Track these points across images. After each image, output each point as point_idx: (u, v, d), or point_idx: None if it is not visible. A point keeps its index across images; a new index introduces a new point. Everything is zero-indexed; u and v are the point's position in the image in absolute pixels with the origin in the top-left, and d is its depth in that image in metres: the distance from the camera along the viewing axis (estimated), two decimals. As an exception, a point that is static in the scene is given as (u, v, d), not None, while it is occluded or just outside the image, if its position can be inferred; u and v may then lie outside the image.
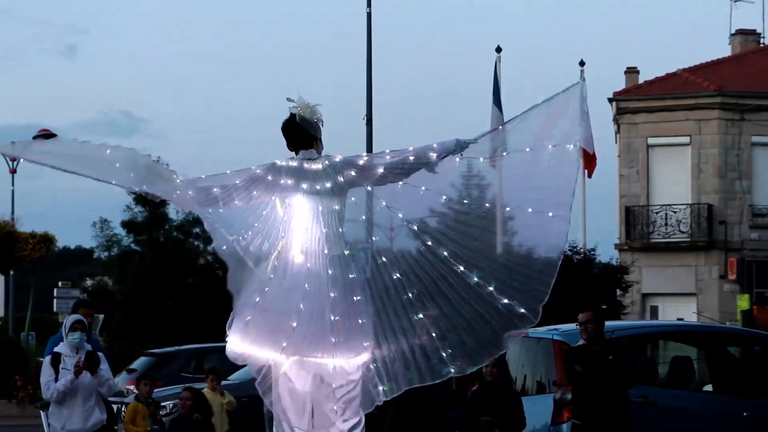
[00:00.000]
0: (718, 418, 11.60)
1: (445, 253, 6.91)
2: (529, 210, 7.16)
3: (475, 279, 6.86)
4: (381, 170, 6.75)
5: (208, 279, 38.78)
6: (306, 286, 6.65)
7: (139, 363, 22.26)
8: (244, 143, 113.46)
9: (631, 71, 40.57)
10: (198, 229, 52.00)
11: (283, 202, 6.80)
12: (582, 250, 26.94)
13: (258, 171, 6.77)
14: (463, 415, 10.92)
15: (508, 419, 10.80)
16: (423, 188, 7.04)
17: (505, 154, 7.23)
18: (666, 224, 36.28)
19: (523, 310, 6.83)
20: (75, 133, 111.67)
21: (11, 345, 32.82)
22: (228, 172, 6.88)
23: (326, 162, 6.79)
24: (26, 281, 44.34)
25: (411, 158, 6.83)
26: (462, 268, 6.88)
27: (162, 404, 15.85)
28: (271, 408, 6.84)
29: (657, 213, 36.42)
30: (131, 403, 13.91)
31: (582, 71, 31.91)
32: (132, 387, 19.66)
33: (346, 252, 6.79)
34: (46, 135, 40.24)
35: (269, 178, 6.75)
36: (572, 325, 11.88)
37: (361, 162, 6.81)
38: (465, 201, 7.31)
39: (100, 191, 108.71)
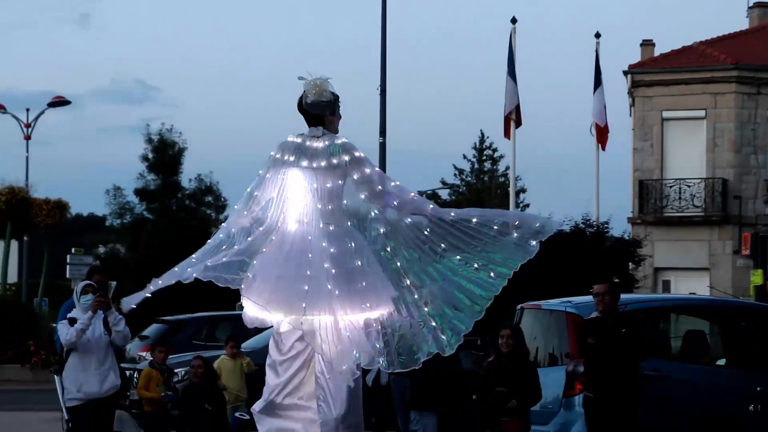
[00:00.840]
0: (730, 392, 11.60)
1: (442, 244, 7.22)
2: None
3: (458, 258, 7.23)
4: (371, 175, 7.17)
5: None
6: (301, 254, 7.06)
7: (151, 330, 22.32)
8: (258, 112, 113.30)
9: (647, 44, 40.38)
10: (210, 198, 52.22)
11: (282, 176, 7.19)
12: (595, 223, 26.87)
13: (273, 153, 7.21)
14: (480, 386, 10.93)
15: (524, 391, 10.79)
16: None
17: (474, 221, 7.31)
18: (680, 198, 36.17)
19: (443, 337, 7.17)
20: (89, 100, 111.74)
21: (24, 311, 32.96)
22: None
23: (326, 142, 7.15)
24: (39, 247, 44.43)
25: (411, 195, 7.26)
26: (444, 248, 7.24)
27: (175, 371, 15.92)
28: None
29: (671, 187, 36.31)
30: (145, 369, 13.96)
31: (597, 43, 31.84)
32: (145, 353, 19.73)
33: (346, 224, 7.20)
34: (62, 102, 40.33)
35: (278, 155, 7.19)
36: (585, 298, 11.88)
37: (357, 153, 7.15)
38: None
39: (113, 159, 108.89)
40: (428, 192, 69.07)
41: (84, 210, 77.70)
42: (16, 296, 39.00)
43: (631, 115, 38.57)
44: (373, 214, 7.34)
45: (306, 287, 7.03)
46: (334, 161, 7.14)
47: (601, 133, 31.06)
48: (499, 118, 29.89)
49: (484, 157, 69.14)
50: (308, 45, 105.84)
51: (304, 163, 7.14)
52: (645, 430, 10.92)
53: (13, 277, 44.58)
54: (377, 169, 7.29)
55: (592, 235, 25.85)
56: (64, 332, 10.79)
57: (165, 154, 50.23)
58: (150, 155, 50.31)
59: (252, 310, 7.19)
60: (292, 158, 7.14)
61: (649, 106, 37.06)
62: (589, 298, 11.24)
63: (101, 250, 57.50)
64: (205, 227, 44.90)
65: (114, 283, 34.01)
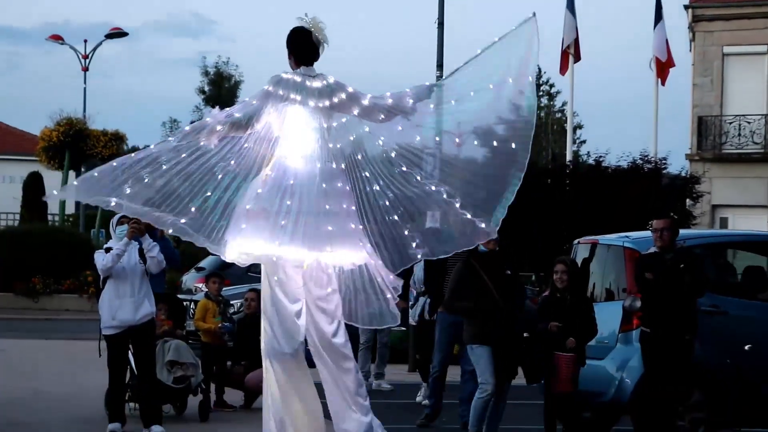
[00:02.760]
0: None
1: (418, 177, 7.66)
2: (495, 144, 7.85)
3: (444, 195, 7.66)
4: (366, 102, 7.47)
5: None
6: (301, 189, 7.34)
7: (207, 261, 22.47)
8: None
9: (709, -23, 39.66)
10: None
11: (281, 112, 7.40)
12: (653, 159, 26.62)
13: (269, 88, 7.43)
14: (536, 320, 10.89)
15: (579, 326, 10.73)
16: (399, 127, 7.69)
17: (472, 93, 7.77)
18: (739, 135, 35.68)
19: (483, 225, 7.69)
20: (145, 32, 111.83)
21: (82, 242, 33.35)
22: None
23: (324, 82, 7.45)
24: (97, 179, 44.75)
25: (390, 101, 7.52)
26: (434, 188, 7.66)
27: (231, 303, 16.03)
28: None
29: (730, 123, 35.82)
30: (201, 301, 14.04)
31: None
32: (201, 285, 19.89)
33: (342, 165, 7.53)
34: (119, 33, 40.41)
35: (280, 92, 7.38)
36: (643, 233, 11.77)
37: (350, 89, 7.47)
38: (437, 138, 7.91)
39: (171, 92, 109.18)
40: (483, 127, 68.84)
41: (140, 142, 78.14)
42: (73, 227, 39.43)
43: (690, 50, 37.99)
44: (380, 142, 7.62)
45: (330, 227, 7.33)
46: (335, 100, 7.42)
47: (662, 68, 30.68)
48: (556, 54, 29.56)
49: (541, 93, 68.66)
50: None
51: (311, 103, 7.36)
52: (702, 366, 10.85)
53: (70, 208, 45.03)
54: (367, 94, 7.55)
55: (650, 171, 25.62)
56: (100, 260, 10.85)
57: (221, 87, 50.40)
58: (206, 88, 50.53)
59: (237, 249, 7.40)
60: (298, 97, 7.35)
61: (710, 41, 36.47)
62: (647, 233, 11.13)
63: (157, 182, 57.85)
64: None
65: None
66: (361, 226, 7.51)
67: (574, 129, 44.95)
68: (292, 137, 7.45)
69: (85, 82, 41.70)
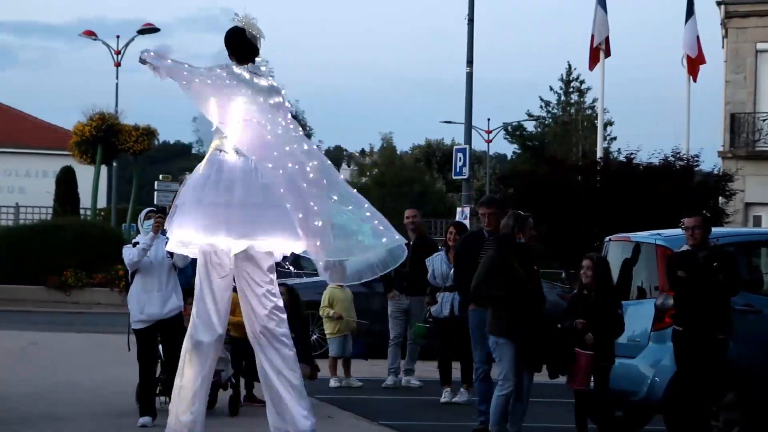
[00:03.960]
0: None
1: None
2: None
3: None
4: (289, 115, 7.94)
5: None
6: (237, 181, 7.70)
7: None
8: (345, 43, 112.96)
9: (742, -26, 39.38)
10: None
11: (224, 106, 7.71)
12: (685, 156, 26.45)
13: (219, 70, 7.76)
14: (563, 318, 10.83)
15: (605, 324, 10.65)
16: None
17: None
18: (772, 132, 35.46)
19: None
20: (177, 27, 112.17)
21: (113, 236, 33.52)
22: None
23: (269, 80, 7.89)
24: (128, 174, 44.97)
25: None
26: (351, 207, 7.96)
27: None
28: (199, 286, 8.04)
29: (764, 120, 35.58)
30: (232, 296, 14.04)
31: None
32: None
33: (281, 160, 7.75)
34: (151, 29, 40.53)
35: (228, 81, 7.72)
36: (675, 231, 11.69)
37: (283, 92, 7.94)
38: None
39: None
40: (513, 123, 68.74)
41: (171, 137, 78.53)
42: (105, 221, 39.62)
43: (723, 46, 37.75)
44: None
45: (265, 216, 7.69)
46: (279, 99, 7.85)
47: (693, 65, 30.47)
48: (586, 50, 29.40)
49: (571, 89, 68.35)
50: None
51: (260, 99, 7.74)
52: (735, 365, 10.77)
53: (102, 202, 45.24)
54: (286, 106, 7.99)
55: (682, 169, 25.46)
56: (128, 254, 10.91)
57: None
58: (237, 83, 50.51)
59: (179, 239, 7.86)
60: (244, 90, 7.69)
61: (743, 37, 36.24)
62: (679, 231, 11.05)
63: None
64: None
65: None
66: (300, 215, 7.75)
67: (605, 126, 44.69)
68: (232, 129, 7.77)
69: (117, 78, 41.92)
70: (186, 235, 7.85)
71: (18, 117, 59.03)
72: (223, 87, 7.71)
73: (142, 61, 7.78)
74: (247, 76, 7.78)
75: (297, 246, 7.91)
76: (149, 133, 38.29)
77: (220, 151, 7.86)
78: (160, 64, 7.76)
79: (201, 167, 7.91)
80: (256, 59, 8.00)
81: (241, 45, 7.96)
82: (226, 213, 7.68)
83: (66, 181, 40.49)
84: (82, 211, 41.40)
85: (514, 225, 10.57)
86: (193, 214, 7.75)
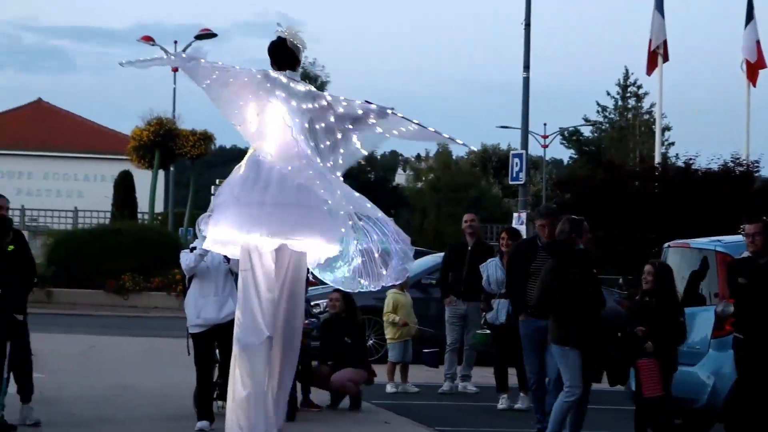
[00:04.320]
0: None
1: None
2: None
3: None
4: (341, 110, 7.80)
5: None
6: (274, 182, 7.76)
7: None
8: (399, 47, 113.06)
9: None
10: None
11: (263, 109, 7.81)
12: (744, 162, 26.15)
13: (255, 72, 7.81)
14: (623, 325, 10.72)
15: (667, 331, 10.53)
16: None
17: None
18: (834, 137, 34.99)
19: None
20: (233, 33, 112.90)
21: (170, 240, 33.72)
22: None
23: (308, 87, 7.90)
24: (185, 178, 45.29)
25: (359, 111, 7.81)
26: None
27: (315, 303, 16.07)
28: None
29: (825, 125, 35.13)
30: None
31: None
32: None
33: (321, 162, 7.78)
34: (208, 34, 40.76)
35: (267, 84, 7.79)
36: (735, 237, 11.55)
37: (328, 97, 7.83)
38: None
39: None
40: (570, 128, 68.37)
41: (227, 142, 79.00)
42: (162, 225, 39.90)
43: (785, 50, 37.28)
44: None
45: (300, 218, 7.70)
46: (316, 105, 7.80)
47: (752, 69, 30.13)
48: (644, 54, 29.17)
49: (628, 94, 67.86)
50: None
51: (294, 103, 7.76)
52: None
53: (159, 206, 45.56)
54: (341, 100, 7.83)
55: (741, 174, 25.17)
56: (185, 259, 10.98)
57: (308, 88, 50.49)
58: (293, 88, 50.62)
59: (216, 238, 7.86)
60: (282, 94, 7.76)
61: (805, 40, 35.76)
62: (740, 237, 10.92)
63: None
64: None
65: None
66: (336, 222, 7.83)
67: (663, 131, 44.33)
68: (270, 132, 7.84)
69: (174, 83, 42.23)
70: (221, 233, 7.88)
71: (77, 122, 59.70)
72: (259, 89, 7.80)
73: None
74: (284, 80, 7.83)
75: (332, 250, 7.89)
76: (206, 137, 38.50)
77: (258, 152, 7.95)
78: (180, 64, 7.91)
79: (240, 168, 8.02)
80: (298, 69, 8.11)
81: (282, 55, 8.05)
82: (259, 211, 7.73)
83: (124, 185, 40.83)
84: (139, 216, 41.73)
85: (571, 230, 10.47)
86: (229, 213, 7.81)
